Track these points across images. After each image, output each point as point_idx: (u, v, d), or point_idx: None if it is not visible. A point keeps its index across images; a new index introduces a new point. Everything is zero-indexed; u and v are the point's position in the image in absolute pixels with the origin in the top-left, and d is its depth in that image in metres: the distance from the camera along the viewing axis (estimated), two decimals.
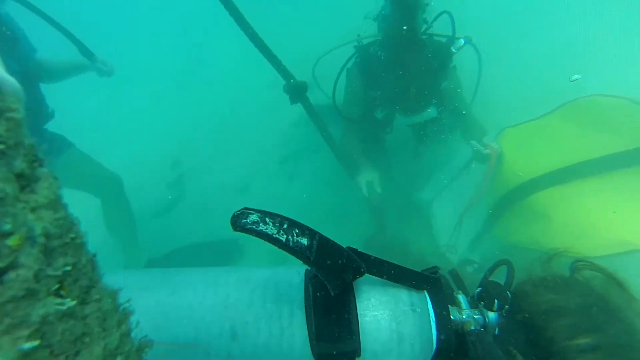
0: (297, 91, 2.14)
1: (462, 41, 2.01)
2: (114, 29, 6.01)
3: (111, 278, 0.80)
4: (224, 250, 2.99)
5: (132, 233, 2.79)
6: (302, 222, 0.76)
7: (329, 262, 0.71)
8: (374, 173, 2.38)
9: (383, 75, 2.20)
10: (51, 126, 2.37)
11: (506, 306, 0.84)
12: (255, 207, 0.76)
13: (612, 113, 1.98)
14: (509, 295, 0.85)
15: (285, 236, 0.71)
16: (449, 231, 2.38)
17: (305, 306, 0.74)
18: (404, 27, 1.97)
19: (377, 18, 2.24)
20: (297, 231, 0.73)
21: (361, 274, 0.74)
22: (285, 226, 0.73)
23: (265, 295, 0.76)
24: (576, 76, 2.32)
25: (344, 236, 2.66)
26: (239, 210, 0.72)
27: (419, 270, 0.85)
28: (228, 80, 4.72)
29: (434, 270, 0.90)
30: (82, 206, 2.71)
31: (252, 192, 3.44)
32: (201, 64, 5.18)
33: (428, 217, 2.67)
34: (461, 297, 0.87)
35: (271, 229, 0.71)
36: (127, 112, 4.70)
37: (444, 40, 2.23)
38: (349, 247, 0.78)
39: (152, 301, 0.77)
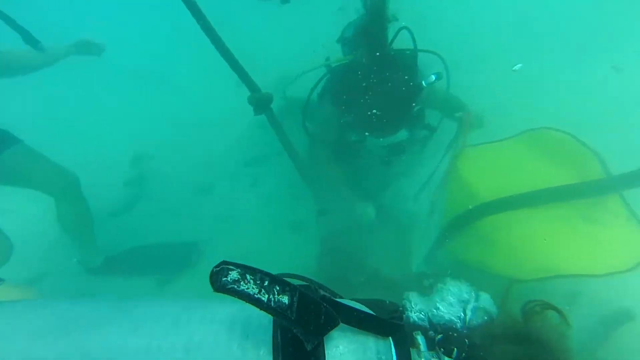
0: (261, 103, 2.16)
1: (433, 77, 2.07)
2: (71, 21, 5.76)
3: (53, 308, 0.77)
4: (183, 252, 2.97)
5: (90, 232, 2.70)
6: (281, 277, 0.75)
7: (308, 321, 0.71)
8: (367, 203, 2.38)
9: (354, 100, 2.21)
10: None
11: (463, 354, 0.85)
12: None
13: (558, 147, 2.11)
14: (467, 344, 0.88)
15: (266, 295, 0.70)
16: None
17: (274, 351, 0.72)
18: (376, 53, 2.00)
19: (340, 40, 2.28)
20: (277, 288, 0.72)
21: (336, 326, 0.74)
22: (265, 283, 0.71)
23: (232, 337, 0.72)
24: (518, 65, 2.45)
25: (302, 245, 2.73)
26: (217, 266, 0.71)
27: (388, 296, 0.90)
28: (194, 76, 4.64)
29: (399, 314, 0.93)
30: (35, 203, 2.65)
31: (215, 195, 3.42)
32: (167, 57, 5.05)
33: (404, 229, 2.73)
34: (420, 339, 0.89)
35: (252, 288, 0.70)
36: (84, 106, 4.52)
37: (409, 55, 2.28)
38: (322, 297, 0.78)
39: (103, 344, 0.71)
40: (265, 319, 0.75)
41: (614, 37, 3.39)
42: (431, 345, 0.90)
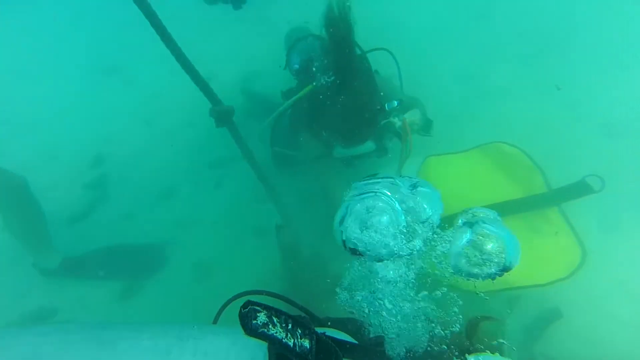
0: (223, 117, 2.17)
1: (395, 103, 2.14)
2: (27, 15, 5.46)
3: (25, 338, 0.67)
4: (146, 256, 2.96)
5: (43, 234, 2.62)
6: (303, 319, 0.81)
7: None
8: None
9: (324, 120, 2.26)
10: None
11: None
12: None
13: (508, 161, 2.27)
14: None
15: (292, 340, 0.72)
16: None
17: None
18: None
19: (290, 70, 2.29)
20: (299, 332, 0.74)
21: None
22: (289, 327, 0.74)
23: None
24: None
25: (266, 249, 2.77)
26: (245, 308, 0.71)
27: None
28: (156, 74, 4.51)
29: (381, 340, 1.01)
30: None
31: (178, 198, 3.38)
32: (128, 54, 4.88)
33: None
34: None
35: (280, 332, 0.71)
36: (37, 103, 4.31)
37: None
38: (325, 335, 0.81)
39: None
40: (259, 353, 0.74)
41: (564, 52, 3.57)
42: None
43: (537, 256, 1.95)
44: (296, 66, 2.32)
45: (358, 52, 2.27)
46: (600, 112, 3.17)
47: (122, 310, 2.67)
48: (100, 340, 0.67)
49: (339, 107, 2.10)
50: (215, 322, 1.14)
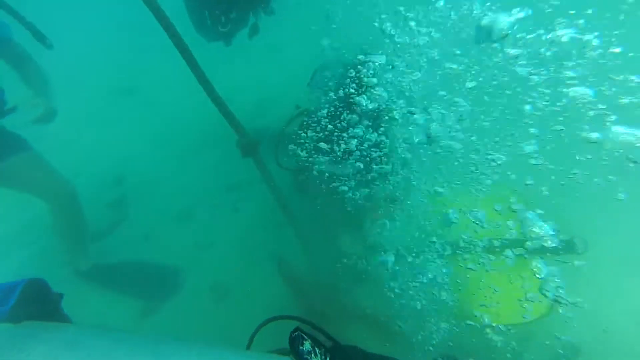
0: (249, 148, 2.29)
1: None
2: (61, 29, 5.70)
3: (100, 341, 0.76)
4: (167, 277, 3.04)
5: (82, 238, 2.84)
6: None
7: None
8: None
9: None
10: (10, 124, 2.38)
11: None
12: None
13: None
14: None
15: None
16: None
17: None
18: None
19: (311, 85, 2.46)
20: None
21: None
22: (327, 359, 0.83)
23: None
24: None
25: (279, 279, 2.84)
26: (294, 332, 0.80)
27: None
28: (178, 99, 4.69)
29: None
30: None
31: (196, 221, 3.48)
32: (147, 78, 5.08)
33: None
34: None
35: None
36: (58, 123, 4.49)
37: None
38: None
39: None
40: None
41: None
42: None
43: (507, 298, 2.10)
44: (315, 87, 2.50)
45: None
46: None
47: (140, 329, 2.75)
48: (156, 353, 0.74)
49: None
50: (249, 346, 1.20)
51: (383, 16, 2.43)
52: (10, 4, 2.29)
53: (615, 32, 1.86)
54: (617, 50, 1.84)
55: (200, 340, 0.85)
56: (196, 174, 3.85)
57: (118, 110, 4.74)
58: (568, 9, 1.92)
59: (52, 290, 1.31)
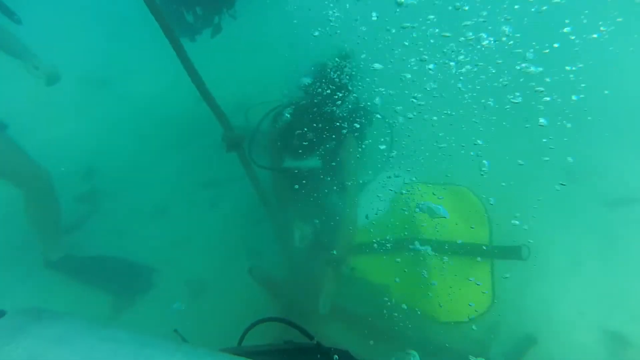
0: (234, 142, 2.33)
1: (357, 125, 2.46)
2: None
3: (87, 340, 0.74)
4: (139, 272, 2.99)
5: (55, 227, 2.76)
6: None
7: None
8: (305, 225, 2.61)
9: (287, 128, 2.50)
10: None
11: None
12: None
13: (468, 207, 2.54)
14: None
15: None
16: None
17: None
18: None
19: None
20: None
21: None
22: None
23: None
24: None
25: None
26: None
27: None
28: (154, 94, 4.63)
29: None
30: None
31: (171, 216, 3.44)
32: (120, 69, 4.99)
33: None
34: None
35: None
36: (28, 113, 4.30)
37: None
38: None
39: None
40: None
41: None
42: None
43: (453, 297, 2.25)
44: (305, 83, 2.56)
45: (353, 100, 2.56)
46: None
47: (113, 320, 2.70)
48: (137, 358, 0.72)
49: (295, 120, 2.38)
50: (240, 342, 1.20)
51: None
52: None
53: None
54: None
55: (186, 343, 0.86)
56: (172, 169, 3.80)
57: (90, 101, 4.59)
58: None
59: None
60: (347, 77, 2.55)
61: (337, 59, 2.55)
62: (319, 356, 0.96)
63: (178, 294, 2.88)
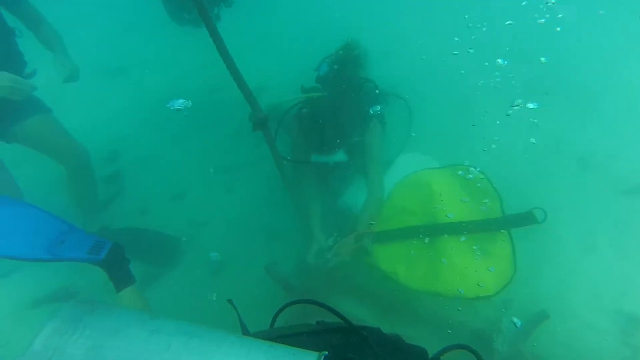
0: (261, 122, 2.40)
1: (378, 107, 2.48)
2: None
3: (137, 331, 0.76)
4: (167, 246, 3.12)
5: (93, 201, 3.00)
6: None
7: None
8: (324, 241, 2.60)
9: (311, 124, 2.50)
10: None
11: None
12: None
13: (473, 184, 2.60)
14: None
15: None
16: None
17: None
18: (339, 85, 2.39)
19: (317, 73, 2.60)
20: None
21: None
22: None
23: None
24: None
25: (277, 251, 2.95)
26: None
27: None
28: (163, 78, 4.73)
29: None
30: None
31: (189, 199, 3.54)
32: (144, 61, 5.09)
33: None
34: None
35: None
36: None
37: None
38: None
39: None
40: None
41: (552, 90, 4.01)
42: None
43: (476, 273, 2.30)
44: (320, 73, 2.60)
45: (372, 86, 2.60)
46: (569, 149, 3.62)
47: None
48: (187, 349, 0.75)
49: (322, 117, 2.39)
50: (272, 324, 1.21)
51: None
52: None
53: None
54: None
55: (232, 332, 0.88)
56: (190, 155, 3.90)
57: (108, 91, 4.71)
58: None
59: (125, 255, 1.68)
60: (359, 64, 2.60)
61: (340, 52, 2.59)
62: (350, 335, 0.97)
63: (199, 272, 2.95)
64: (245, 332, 1.22)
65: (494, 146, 3.13)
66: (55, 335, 0.70)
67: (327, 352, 0.81)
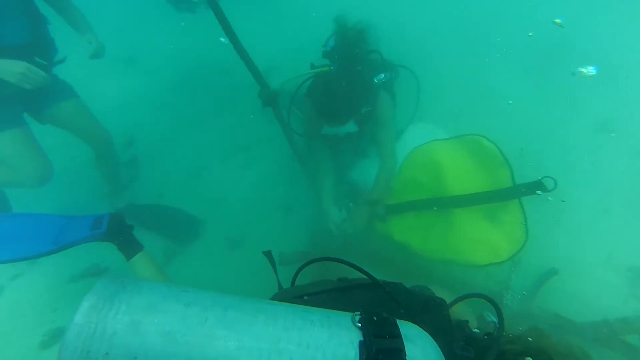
0: (270, 98, 2.46)
1: (382, 75, 2.51)
2: None
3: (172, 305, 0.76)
4: (188, 220, 3.26)
5: (118, 180, 3.28)
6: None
7: None
8: (339, 210, 2.73)
9: (322, 98, 2.53)
10: (60, 72, 2.63)
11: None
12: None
13: (484, 153, 2.58)
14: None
15: None
16: None
17: None
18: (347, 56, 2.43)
19: (324, 48, 2.62)
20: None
21: None
22: None
23: None
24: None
25: (289, 229, 3.05)
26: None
27: None
28: (184, 64, 4.79)
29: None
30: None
31: (204, 180, 3.66)
32: (154, 48, 5.17)
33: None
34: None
35: None
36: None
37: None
38: None
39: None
40: (351, 351, 0.76)
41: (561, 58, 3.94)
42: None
43: (489, 240, 2.35)
44: (327, 48, 2.62)
45: (376, 57, 2.64)
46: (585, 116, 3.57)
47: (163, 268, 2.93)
48: (225, 321, 0.76)
49: (331, 90, 2.42)
50: (293, 282, 1.23)
51: None
52: None
53: None
54: None
55: (264, 300, 0.88)
56: (204, 137, 4.00)
57: (123, 78, 4.83)
58: None
59: (126, 222, 1.76)
60: (363, 37, 2.59)
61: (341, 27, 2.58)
62: (374, 290, 0.99)
63: (218, 246, 3.08)
64: (280, 286, 1.27)
65: (510, 102, 3.06)
66: (93, 311, 0.72)
67: (360, 313, 0.82)
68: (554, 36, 4.09)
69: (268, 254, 1.36)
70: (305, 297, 1.01)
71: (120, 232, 1.71)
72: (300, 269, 1.20)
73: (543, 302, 2.41)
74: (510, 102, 3.34)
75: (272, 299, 1.06)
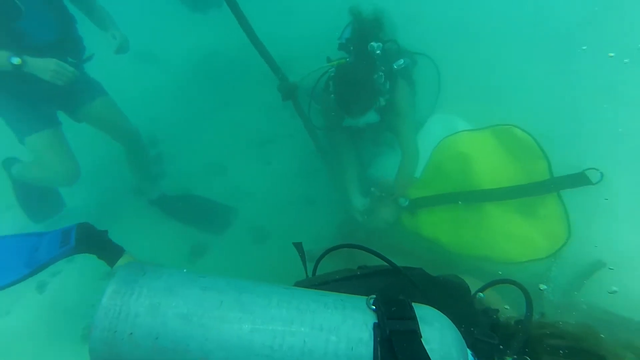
0: (289, 91, 2.48)
1: (401, 61, 2.46)
2: None
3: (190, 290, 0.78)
4: (219, 211, 3.36)
5: (149, 174, 3.36)
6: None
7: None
8: (364, 199, 2.71)
9: (341, 89, 2.48)
10: (90, 70, 2.73)
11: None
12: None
13: (518, 145, 2.46)
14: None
15: None
16: None
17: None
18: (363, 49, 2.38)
19: (340, 40, 2.60)
20: None
21: None
22: None
23: (338, 348, 0.76)
24: None
25: (313, 221, 3.06)
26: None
27: None
28: (208, 59, 4.86)
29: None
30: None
31: (230, 174, 3.72)
32: (170, 44, 5.25)
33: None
34: None
35: None
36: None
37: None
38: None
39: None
40: (365, 334, 0.76)
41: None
42: None
43: (526, 236, 2.26)
44: (343, 40, 2.60)
45: (393, 47, 2.58)
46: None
47: (191, 263, 3.07)
48: (239, 304, 0.77)
49: (347, 81, 2.40)
50: (314, 272, 1.22)
51: None
52: None
53: None
54: None
55: (279, 284, 0.87)
56: (227, 133, 4.06)
57: (141, 75, 4.93)
58: None
59: (97, 229, 1.68)
60: (378, 26, 2.55)
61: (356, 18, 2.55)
62: (394, 277, 0.98)
63: (244, 240, 3.14)
64: (307, 277, 1.25)
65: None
66: (117, 295, 0.75)
67: (375, 296, 0.81)
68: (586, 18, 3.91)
69: (298, 246, 1.35)
70: (323, 285, 1.01)
71: (92, 242, 1.61)
72: (320, 258, 1.20)
73: (589, 297, 2.28)
74: (538, 90, 3.19)
75: None
